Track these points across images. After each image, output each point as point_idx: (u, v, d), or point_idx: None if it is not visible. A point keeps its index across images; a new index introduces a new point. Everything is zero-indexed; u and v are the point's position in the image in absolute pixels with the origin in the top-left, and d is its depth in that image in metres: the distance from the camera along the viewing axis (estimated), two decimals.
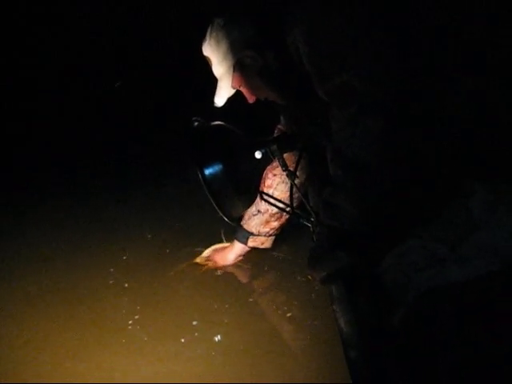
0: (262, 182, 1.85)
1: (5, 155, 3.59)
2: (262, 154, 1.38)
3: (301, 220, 1.51)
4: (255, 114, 1.55)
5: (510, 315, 1.14)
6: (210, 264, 2.15)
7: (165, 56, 4.16)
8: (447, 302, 1.19)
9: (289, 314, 1.83)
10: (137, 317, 1.90)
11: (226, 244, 2.20)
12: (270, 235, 2.02)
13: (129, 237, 2.48)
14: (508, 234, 1.13)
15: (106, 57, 4.39)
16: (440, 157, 1.18)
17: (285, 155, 1.48)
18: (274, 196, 1.83)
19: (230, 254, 2.12)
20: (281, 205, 1.59)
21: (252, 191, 1.47)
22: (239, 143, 1.42)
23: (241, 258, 2.13)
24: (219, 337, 1.75)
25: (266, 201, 1.62)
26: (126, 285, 2.12)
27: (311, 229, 1.47)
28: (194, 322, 1.82)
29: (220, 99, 1.52)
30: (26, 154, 3.60)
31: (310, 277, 1.37)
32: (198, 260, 2.20)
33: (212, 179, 1.33)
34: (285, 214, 1.89)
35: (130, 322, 1.88)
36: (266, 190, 1.84)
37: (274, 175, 1.81)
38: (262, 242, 2.05)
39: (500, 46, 1.13)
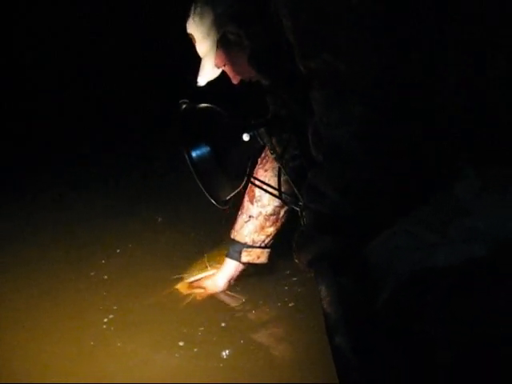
0: (248, 193, 1.82)
1: (5, 155, 3.62)
2: (250, 137, 1.38)
3: (289, 204, 1.51)
4: (245, 97, 1.56)
5: (496, 298, 1.15)
6: (197, 292, 1.97)
7: (165, 56, 4.18)
8: (433, 285, 1.19)
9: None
10: (111, 316, 1.88)
11: (211, 272, 2.03)
12: (266, 246, 1.89)
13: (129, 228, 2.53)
14: (495, 219, 1.13)
15: (106, 57, 4.41)
16: (429, 144, 1.17)
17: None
18: (266, 194, 1.76)
19: (220, 276, 1.95)
20: (269, 189, 1.59)
21: (240, 174, 1.47)
22: (227, 126, 1.42)
23: (233, 282, 1.95)
24: (224, 353, 1.64)
25: (254, 184, 1.62)
26: (106, 276, 2.13)
27: (299, 213, 1.47)
28: (181, 343, 1.71)
29: (203, 78, 1.51)
30: (25, 153, 3.64)
31: (296, 260, 1.36)
32: (179, 287, 2.04)
33: (199, 161, 1.33)
34: (281, 217, 1.84)
35: (105, 320, 1.86)
36: (257, 190, 1.79)
37: (266, 170, 1.78)
38: (258, 256, 1.90)
39: (500, 46, 1.13)
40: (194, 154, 1.33)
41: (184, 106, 1.41)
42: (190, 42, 1.53)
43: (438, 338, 1.15)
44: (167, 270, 2.12)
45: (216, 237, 2.26)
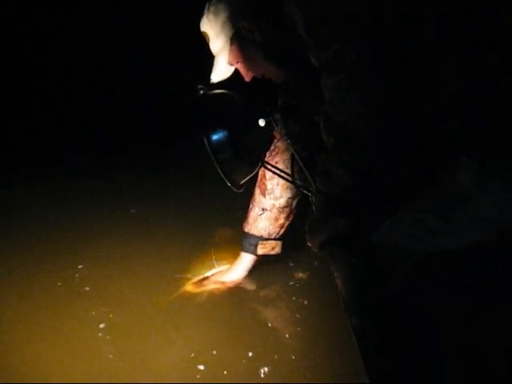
0: (259, 186, 1.85)
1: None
2: (266, 122, 1.43)
3: (301, 189, 1.56)
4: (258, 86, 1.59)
5: (500, 282, 1.20)
6: (212, 288, 1.93)
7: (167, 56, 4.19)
8: (439, 269, 1.24)
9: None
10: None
11: (221, 268, 2.00)
12: (280, 238, 1.91)
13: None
14: (497, 206, 1.19)
15: (108, 58, 4.43)
16: (431, 131, 1.22)
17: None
18: (278, 186, 1.81)
19: (238, 269, 1.93)
20: (283, 174, 1.64)
21: (255, 158, 1.52)
22: (244, 111, 1.47)
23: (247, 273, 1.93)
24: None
25: (268, 169, 1.66)
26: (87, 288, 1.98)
27: (310, 198, 1.51)
28: (201, 367, 1.56)
29: (216, 75, 1.54)
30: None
31: (308, 243, 1.41)
32: (188, 288, 1.94)
33: (217, 145, 1.38)
34: (293, 208, 1.85)
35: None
36: (269, 183, 1.82)
37: (276, 163, 1.77)
38: (273, 247, 1.91)
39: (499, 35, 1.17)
40: (212, 138, 1.37)
41: (201, 92, 1.45)
42: (203, 40, 1.56)
43: (446, 322, 1.20)
44: (168, 272, 2.04)
45: (207, 236, 2.27)
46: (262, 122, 1.42)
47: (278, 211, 1.85)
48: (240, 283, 1.94)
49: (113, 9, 4.27)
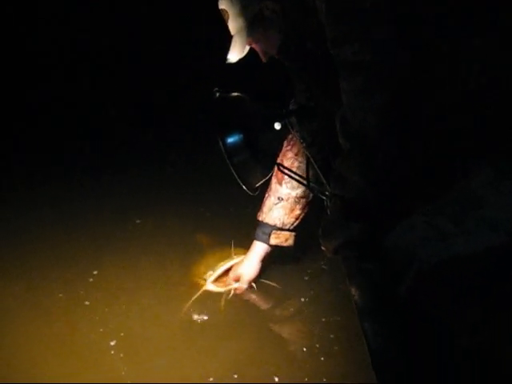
0: (275, 175, 1.83)
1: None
2: (281, 126, 1.42)
3: (316, 193, 1.55)
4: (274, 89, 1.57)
5: None
6: (233, 287, 1.88)
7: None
8: (454, 273, 1.24)
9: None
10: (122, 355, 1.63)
11: (237, 260, 1.95)
12: (294, 229, 1.88)
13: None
14: (509, 207, 1.18)
15: (108, 58, 4.40)
16: (444, 134, 1.22)
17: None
18: (290, 186, 1.81)
19: (253, 260, 1.88)
20: (297, 177, 1.63)
21: (270, 161, 1.51)
22: (260, 115, 1.46)
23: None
24: None
25: (283, 172, 1.65)
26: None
27: (325, 202, 1.51)
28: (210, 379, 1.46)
29: (233, 56, 1.50)
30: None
31: (322, 247, 1.40)
32: (210, 287, 1.90)
33: (232, 148, 1.37)
34: (310, 200, 1.83)
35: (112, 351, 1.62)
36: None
37: (296, 155, 1.76)
38: (286, 239, 1.88)
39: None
40: (227, 141, 1.36)
41: (217, 95, 1.44)
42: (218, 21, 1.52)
43: (458, 325, 1.20)
44: (184, 279, 1.97)
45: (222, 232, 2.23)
46: (277, 126, 1.42)
47: (295, 201, 1.83)
48: (260, 296, 1.89)
49: (113, 9, 4.24)
